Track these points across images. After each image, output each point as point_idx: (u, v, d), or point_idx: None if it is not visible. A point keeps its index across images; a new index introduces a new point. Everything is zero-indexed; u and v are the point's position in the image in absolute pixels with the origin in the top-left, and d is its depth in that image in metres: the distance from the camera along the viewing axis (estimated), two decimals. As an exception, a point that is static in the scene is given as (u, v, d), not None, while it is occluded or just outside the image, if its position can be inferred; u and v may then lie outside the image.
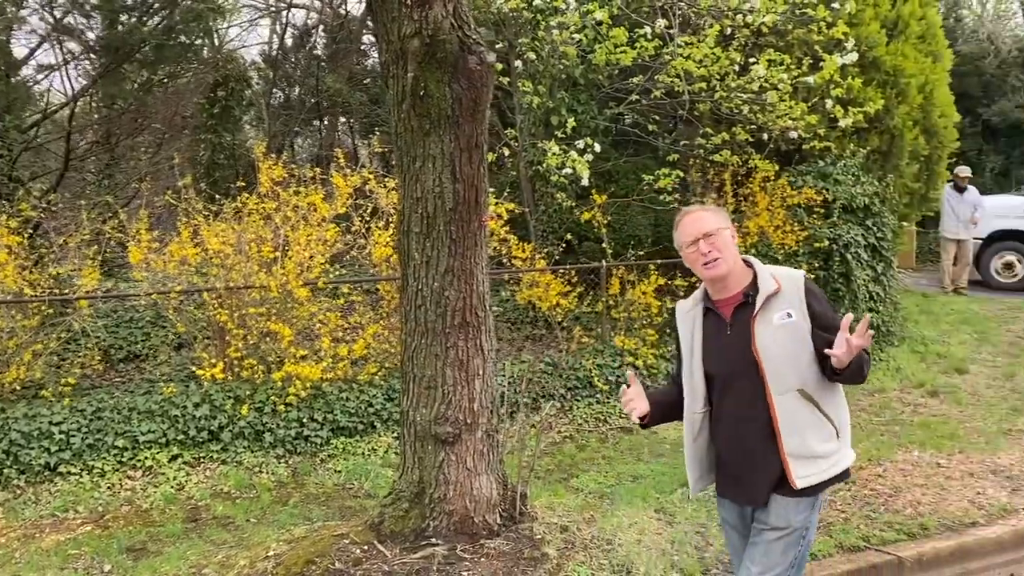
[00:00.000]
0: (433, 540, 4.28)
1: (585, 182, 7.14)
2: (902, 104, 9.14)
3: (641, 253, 8.20)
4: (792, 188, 8.57)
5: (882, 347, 8.85)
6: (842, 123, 8.01)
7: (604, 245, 8.21)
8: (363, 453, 6.44)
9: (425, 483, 4.37)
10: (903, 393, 7.84)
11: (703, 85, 7.73)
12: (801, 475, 2.72)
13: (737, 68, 8.10)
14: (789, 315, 2.73)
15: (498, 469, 4.57)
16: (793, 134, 8.28)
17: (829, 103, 7.86)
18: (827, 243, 8.43)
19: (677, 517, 4.86)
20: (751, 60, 8.01)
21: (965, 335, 9.54)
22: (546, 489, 5.48)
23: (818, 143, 8.26)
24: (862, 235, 8.69)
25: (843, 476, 2.87)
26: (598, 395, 7.51)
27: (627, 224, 9.32)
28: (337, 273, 7.37)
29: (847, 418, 2.92)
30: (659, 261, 8.04)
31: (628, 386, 2.96)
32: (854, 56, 7.73)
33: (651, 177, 8.10)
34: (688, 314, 2.96)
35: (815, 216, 8.60)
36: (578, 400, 7.45)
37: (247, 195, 6.95)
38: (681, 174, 8.06)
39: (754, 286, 2.79)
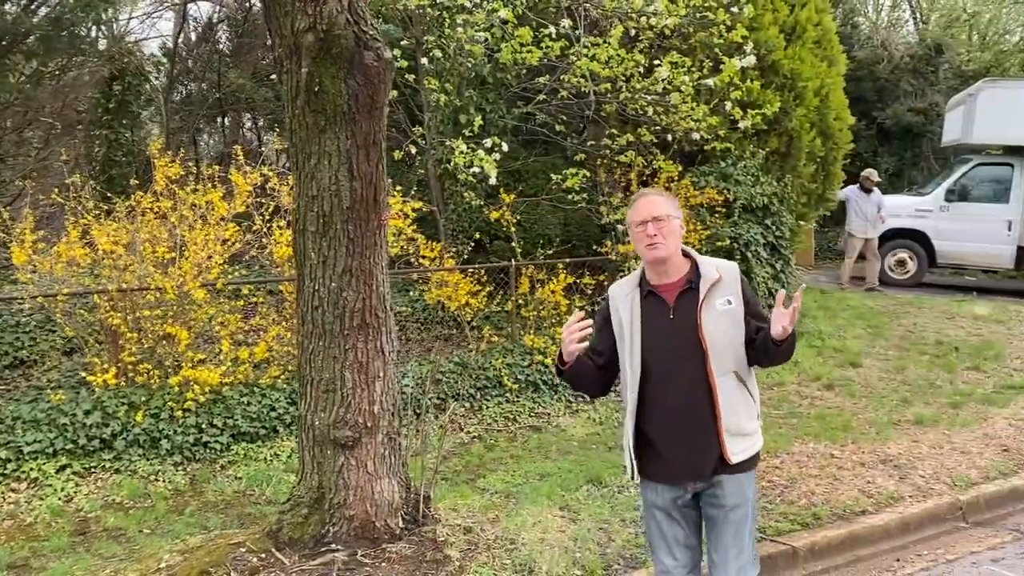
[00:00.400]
0: (333, 546, 4.19)
1: (493, 181, 7.13)
2: (799, 107, 9.44)
3: (550, 252, 8.25)
4: (695, 188, 8.76)
5: (782, 342, 9.11)
6: (742, 125, 8.23)
7: (514, 244, 8.22)
8: (265, 459, 6.27)
9: (325, 488, 4.28)
10: (801, 386, 8.10)
11: (608, 86, 7.82)
12: (735, 451, 2.93)
13: (642, 70, 8.22)
14: (729, 302, 2.94)
15: (401, 472, 4.51)
16: (696, 135, 8.45)
17: (729, 105, 8.06)
18: (728, 242, 8.65)
19: (581, 514, 4.89)
20: (656, 62, 8.15)
21: (860, 330, 9.94)
22: (452, 490, 5.43)
23: (719, 144, 8.47)
24: (762, 234, 8.95)
25: (758, 457, 3.09)
26: (508, 394, 7.51)
27: (537, 223, 9.36)
28: (237, 274, 7.16)
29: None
30: (568, 260, 8.10)
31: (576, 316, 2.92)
32: (752, 60, 7.95)
33: (559, 177, 8.15)
34: (626, 297, 3.03)
35: (717, 216, 8.81)
36: (488, 400, 7.43)
37: (141, 193, 6.68)
38: (588, 174, 8.13)
39: (695, 274, 2.97)
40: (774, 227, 9.11)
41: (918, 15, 23.82)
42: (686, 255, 3.04)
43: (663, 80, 8.01)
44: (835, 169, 10.38)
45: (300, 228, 4.13)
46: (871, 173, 12.93)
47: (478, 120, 7.71)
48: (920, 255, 13.38)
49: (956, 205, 13.16)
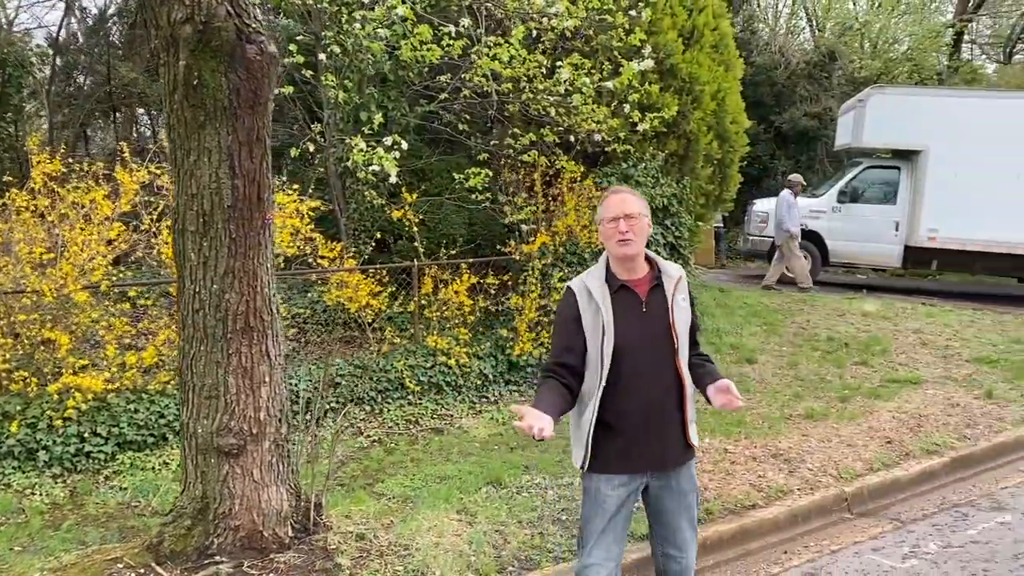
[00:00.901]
0: (217, 558, 4.04)
1: (394, 179, 7.02)
2: (697, 110, 9.64)
3: (454, 252, 8.18)
4: (597, 189, 8.84)
5: (682, 340, 9.30)
6: (641, 127, 8.35)
7: (416, 244, 8.12)
8: (153, 468, 6.00)
9: (209, 498, 4.12)
10: (700, 383, 8.27)
11: (510, 86, 7.81)
12: (692, 435, 3.18)
13: (544, 71, 8.25)
14: (684, 299, 3.16)
15: (291, 479, 4.38)
16: (597, 137, 8.53)
17: (628, 107, 8.16)
18: (631, 242, 8.75)
19: (478, 517, 4.86)
20: (558, 64, 8.18)
21: (756, 327, 10.23)
22: (348, 496, 5.31)
23: (619, 146, 8.56)
24: (661, 234, 9.11)
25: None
26: (410, 396, 7.41)
27: (442, 223, 9.28)
28: (123, 275, 6.84)
29: None
30: (471, 260, 8.06)
31: (520, 418, 2.84)
32: (650, 63, 8.07)
33: (462, 176, 8.10)
34: (597, 291, 3.08)
35: (619, 216, 8.91)
36: (389, 402, 7.32)
37: (16, 191, 6.31)
38: (490, 173, 8.11)
39: (658, 271, 3.15)
40: (674, 228, 9.29)
41: (814, 23, 24.76)
42: (646, 256, 3.18)
43: (565, 81, 8.05)
44: (732, 171, 10.65)
45: (179, 228, 3.97)
46: (796, 177, 13.37)
47: (378, 118, 7.58)
48: (814, 254, 13.89)
49: (847, 206, 13.72)
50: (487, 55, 7.41)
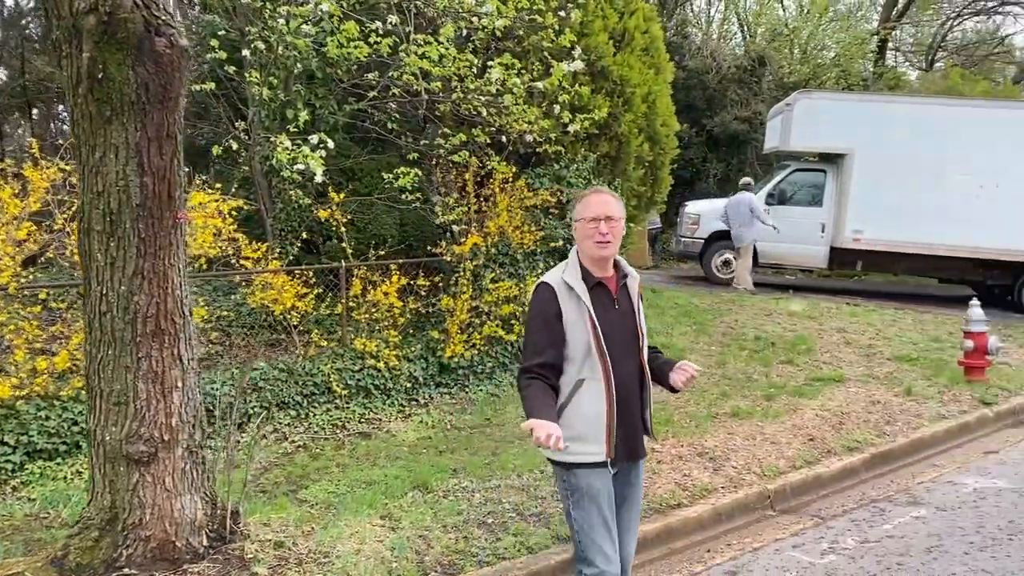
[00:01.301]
0: (127, 570, 3.88)
1: (319, 178, 6.88)
2: (628, 112, 9.72)
3: (383, 253, 8.07)
4: (529, 190, 8.83)
5: (614, 341, 9.36)
6: (571, 128, 8.36)
7: (344, 244, 7.99)
8: (65, 477, 5.76)
9: (118, 508, 3.96)
10: (631, 383, 8.31)
11: (438, 85, 7.74)
12: (650, 427, 3.29)
13: (476, 71, 8.20)
14: (642, 298, 3.32)
15: (205, 487, 4.24)
16: (529, 137, 8.52)
17: (558, 108, 8.18)
18: (563, 243, 8.77)
19: (402, 522, 4.78)
20: (489, 64, 8.14)
21: (686, 327, 10.35)
22: (270, 503, 5.18)
23: (549, 147, 8.57)
24: (594, 235, 9.13)
25: None
26: (337, 400, 7.28)
27: (372, 223, 9.15)
28: (35, 277, 6.56)
29: None
30: (400, 261, 7.97)
31: (531, 431, 2.81)
32: (580, 64, 8.09)
33: (391, 176, 7.99)
34: (578, 286, 3.10)
35: (551, 217, 8.93)
36: (315, 407, 7.18)
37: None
38: (420, 173, 8.02)
39: (623, 272, 3.23)
40: (606, 229, 9.32)
41: (746, 28, 25.25)
42: None
43: (496, 82, 8.01)
44: (663, 174, 10.77)
45: (85, 227, 3.80)
46: (747, 183, 13.56)
47: (303, 115, 7.42)
48: (744, 255, 14.14)
49: (776, 208, 13.99)
50: (416, 53, 7.32)
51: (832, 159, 14.12)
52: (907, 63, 28.59)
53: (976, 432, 7.22)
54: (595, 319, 3.06)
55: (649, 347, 3.32)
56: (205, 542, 4.14)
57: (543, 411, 2.90)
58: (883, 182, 13.42)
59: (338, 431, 7.03)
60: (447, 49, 7.72)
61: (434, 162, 8.81)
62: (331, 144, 7.01)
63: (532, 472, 5.79)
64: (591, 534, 3.11)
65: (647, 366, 3.22)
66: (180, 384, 4.00)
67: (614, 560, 3.10)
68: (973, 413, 7.43)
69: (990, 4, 26.11)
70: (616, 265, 3.23)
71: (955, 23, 27.44)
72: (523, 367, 3.14)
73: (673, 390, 3.30)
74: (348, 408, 7.28)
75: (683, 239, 14.97)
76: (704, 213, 14.62)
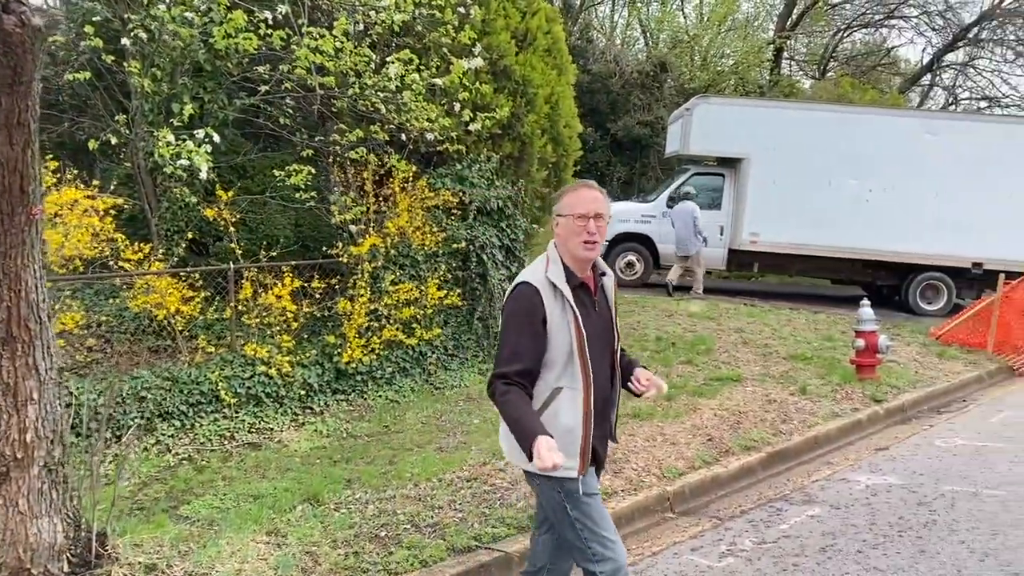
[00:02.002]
0: (-29, 605, 3.50)
1: (204, 175, 6.50)
2: (531, 113, 9.64)
3: (274, 254, 7.72)
4: (431, 190, 8.64)
5: (517, 343, 9.24)
6: (472, 127, 8.21)
7: (233, 245, 7.61)
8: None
9: (-37, 535, 3.57)
10: (533, 387, 8.20)
11: (332, 80, 7.45)
12: (615, 432, 3.20)
13: (374, 66, 7.95)
14: (612, 295, 3.20)
15: (67, 508, 3.88)
16: (430, 136, 8.31)
17: (458, 106, 8.01)
18: (465, 244, 8.61)
19: (289, 538, 4.51)
20: (389, 60, 7.90)
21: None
22: (146, 522, 4.82)
23: (449, 146, 8.40)
24: (497, 236, 9.01)
25: None
26: (225, 410, 6.90)
27: (265, 223, 8.78)
28: None
29: None
30: (293, 263, 7.64)
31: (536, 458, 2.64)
32: (480, 61, 7.95)
33: (282, 173, 7.66)
34: (563, 287, 2.94)
35: (453, 218, 8.75)
36: (202, 417, 6.78)
37: None
38: (312, 171, 7.71)
39: (601, 271, 3.14)
40: (509, 230, 9.20)
41: (649, 35, 25.68)
42: None
43: (396, 77, 7.78)
44: (566, 175, 10.74)
45: (-80, 223, 3.41)
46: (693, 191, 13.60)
47: (188, 109, 7.02)
48: (646, 257, 14.31)
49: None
50: (308, 47, 7.02)
51: (730, 163, 14.42)
52: (801, 72, 29.64)
53: (867, 429, 7.41)
54: (576, 323, 2.90)
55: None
56: (66, 568, 3.79)
57: (536, 426, 2.72)
58: (778, 186, 13.79)
59: (226, 442, 6.66)
60: (343, 43, 7.45)
61: (331, 160, 8.50)
62: (217, 139, 6.63)
63: (429, 481, 5.59)
64: (597, 526, 2.99)
65: (618, 367, 3.15)
66: (36, 396, 3.64)
67: (621, 545, 3.03)
68: (865, 411, 7.62)
69: (877, 17, 27.31)
70: (595, 265, 3.13)
71: (845, 35, 28.61)
72: (499, 372, 2.89)
73: (636, 395, 3.20)
74: (237, 417, 6.91)
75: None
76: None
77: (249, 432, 6.85)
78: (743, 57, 24.05)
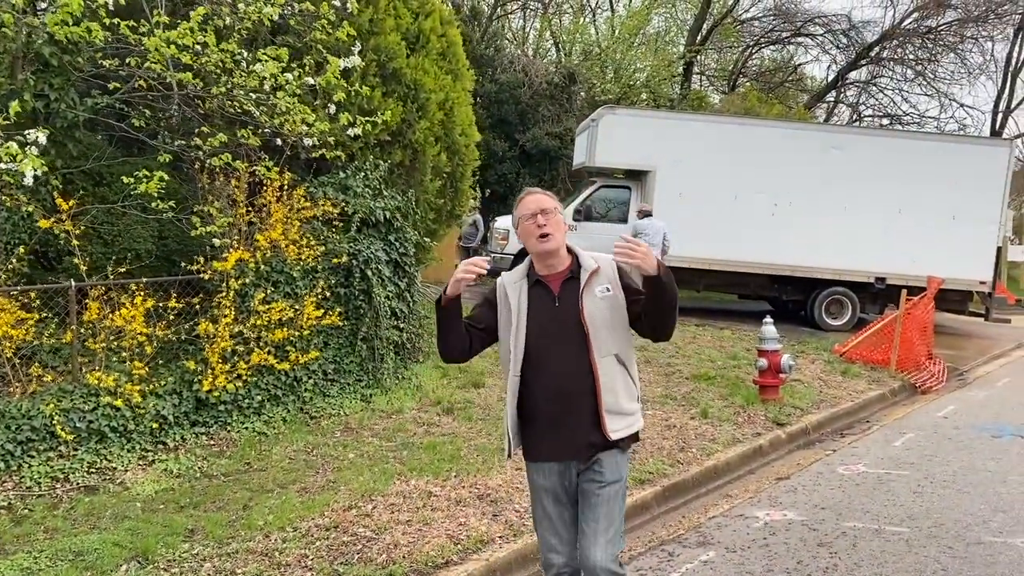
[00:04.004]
0: None
1: (29, 180, 5.69)
2: (423, 119, 9.05)
3: (123, 270, 6.89)
4: (310, 200, 7.94)
5: (406, 365, 8.62)
6: (353, 131, 7.57)
7: (77, 260, 6.77)
8: None
9: None
10: (420, 412, 7.60)
11: (188, 76, 6.70)
12: (614, 428, 3.13)
13: (246, 64, 7.23)
14: (607, 289, 3.17)
15: None
16: (308, 141, 7.63)
17: (333, 108, 7.37)
18: (347, 258, 7.94)
19: (94, 613, 3.78)
20: (259, 58, 7.20)
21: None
22: (-76, 594, 4.01)
23: (329, 152, 7.74)
24: (384, 250, 8.36)
25: (637, 436, 3.32)
26: (61, 447, 6.05)
27: (123, 235, 7.91)
28: None
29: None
30: (146, 279, 6.85)
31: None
32: (358, 59, 7.35)
33: (131, 180, 6.85)
34: (515, 285, 3.22)
35: (334, 230, 8.07)
36: (31, 456, 5.92)
37: None
38: (166, 177, 6.91)
39: (576, 264, 3.20)
40: (398, 243, 8.57)
41: (561, 46, 25.46)
42: (569, 249, 3.24)
43: (266, 76, 7.09)
44: (463, 186, 10.20)
45: None
46: (646, 205, 13.00)
47: (14, 106, 6.16)
48: (552, 272, 13.83)
49: (582, 224, 13.80)
50: (160, 38, 6.28)
51: (637, 176, 14.13)
52: (711, 87, 29.94)
53: (769, 455, 7.05)
54: (520, 318, 3.14)
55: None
56: None
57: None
58: (684, 199, 13.54)
59: (58, 485, 5.81)
60: (205, 36, 6.72)
61: (197, 166, 7.71)
62: (43, 139, 5.82)
63: (283, 530, 4.93)
64: (536, 528, 3.35)
65: (596, 362, 3.10)
66: None
67: (560, 551, 3.23)
68: (767, 435, 7.27)
69: (784, 34, 27.77)
70: (574, 259, 3.21)
71: (754, 51, 29.02)
72: None
73: (651, 280, 3.00)
74: (75, 456, 6.07)
75: (492, 254, 14.52)
76: (513, 228, 14.24)
77: (87, 472, 6.01)
78: (654, 71, 24.04)
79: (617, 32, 24.84)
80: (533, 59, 21.32)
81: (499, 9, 23.94)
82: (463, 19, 19.05)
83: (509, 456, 3.32)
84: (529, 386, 3.14)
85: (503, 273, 3.34)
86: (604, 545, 3.09)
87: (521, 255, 13.80)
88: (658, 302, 3.07)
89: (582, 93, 21.36)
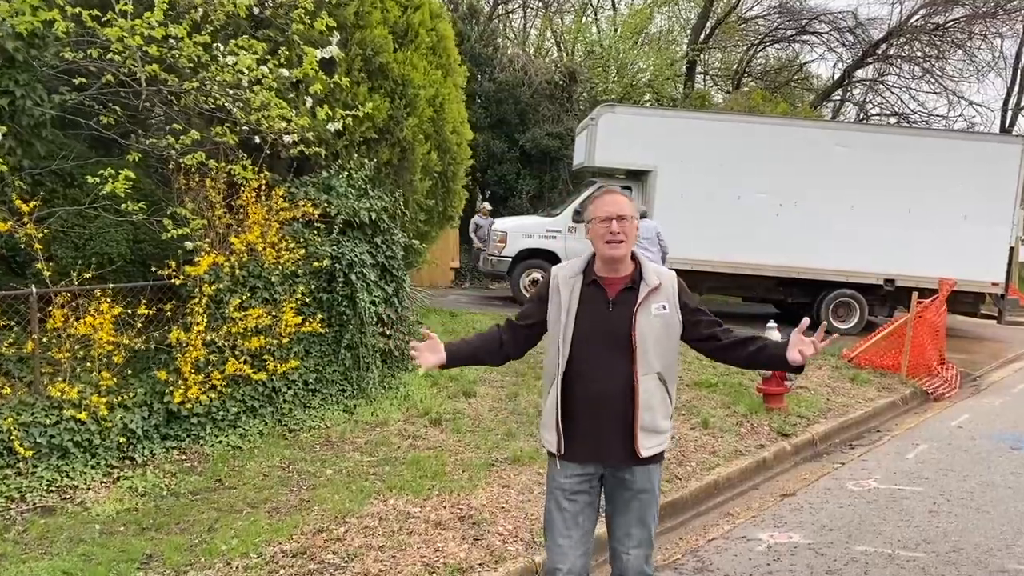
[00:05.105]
0: None
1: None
2: (412, 116, 8.68)
3: (88, 275, 6.53)
4: (288, 200, 7.57)
5: (394, 374, 8.24)
6: (332, 127, 7.21)
7: (41, 265, 6.40)
8: None
9: None
10: (407, 424, 7.21)
11: (155, 68, 6.34)
12: (647, 446, 3.11)
13: (221, 58, 6.87)
14: (664, 307, 3.15)
15: None
16: (288, 138, 7.27)
17: (309, 101, 7.00)
18: (330, 262, 7.57)
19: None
20: (232, 50, 6.84)
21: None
22: None
23: (306, 148, 7.36)
24: (370, 253, 7.98)
25: (664, 452, 3.28)
26: (19, 464, 5.69)
27: (94, 239, 7.54)
28: None
29: None
30: (112, 285, 6.49)
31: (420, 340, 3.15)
32: (335, 49, 6.99)
33: (95, 179, 6.49)
34: (569, 280, 3.20)
35: (316, 232, 7.70)
36: (-15, 473, 5.57)
37: None
38: (132, 176, 6.55)
39: (639, 275, 3.17)
40: (384, 246, 8.18)
41: (562, 46, 25.07)
42: (633, 256, 3.21)
43: (248, 71, 6.73)
44: (455, 186, 9.80)
45: None
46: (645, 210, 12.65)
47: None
48: (551, 274, 13.46)
49: (582, 226, 13.37)
50: (121, 27, 5.92)
51: (638, 176, 13.74)
52: (715, 87, 29.51)
53: (774, 469, 6.66)
54: (571, 314, 3.12)
55: (722, 337, 3.21)
56: None
57: (454, 341, 3.31)
58: (686, 200, 13.16)
59: (13, 505, 5.45)
60: (176, 28, 6.36)
61: (172, 167, 7.35)
62: (-2, 135, 5.46)
63: (246, 556, 4.56)
64: (547, 531, 3.28)
65: (639, 377, 3.07)
66: None
67: (568, 555, 3.16)
68: (771, 447, 6.87)
69: (789, 33, 27.34)
70: (637, 267, 3.19)
71: (759, 49, 28.57)
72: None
73: (798, 369, 3.16)
74: (34, 474, 5.70)
75: (491, 257, 14.14)
76: (511, 230, 13.88)
77: (46, 492, 5.64)
78: (658, 71, 23.64)
79: (619, 31, 24.45)
80: (533, 58, 20.91)
81: (499, 8, 23.58)
82: (460, 17, 18.70)
83: (562, 455, 3.20)
84: (567, 387, 3.13)
85: (557, 266, 3.32)
86: (637, 547, 3.16)
87: (519, 257, 13.48)
88: (755, 366, 3.35)
89: (584, 93, 20.98)
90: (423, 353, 3.16)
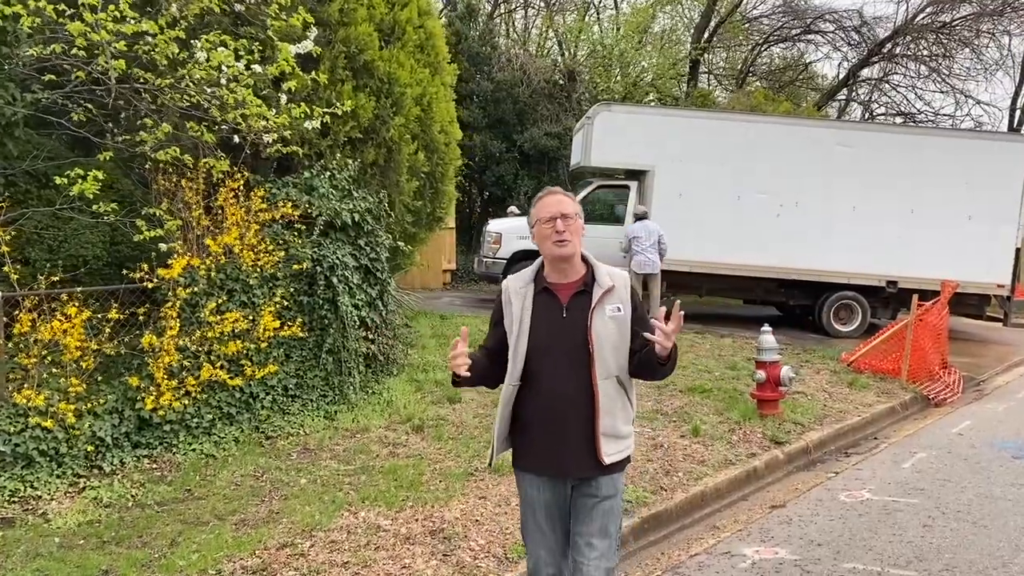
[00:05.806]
0: None
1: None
2: (398, 115, 8.48)
3: (56, 279, 6.34)
4: (267, 202, 7.38)
5: (378, 378, 8.05)
6: (310, 124, 7.01)
7: (8, 268, 6.23)
8: None
9: None
10: (388, 431, 7.01)
11: (122, 64, 6.15)
12: (609, 452, 3.04)
13: (198, 56, 6.68)
14: (619, 309, 3.07)
15: None
16: (267, 137, 7.08)
17: (284, 98, 6.81)
18: (311, 264, 7.38)
19: None
20: (220, 48, 6.66)
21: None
22: None
23: (283, 147, 7.17)
24: (353, 255, 7.79)
25: (629, 458, 3.18)
26: (-19, 474, 5.52)
27: (69, 241, 7.37)
28: None
29: None
30: (81, 289, 6.31)
31: (459, 340, 2.95)
32: (310, 44, 6.79)
33: (64, 180, 6.31)
34: (520, 290, 3.12)
35: (297, 234, 7.51)
36: (-55, 484, 5.40)
37: None
38: (100, 176, 6.36)
39: (591, 277, 3.08)
40: (368, 248, 7.99)
41: (564, 45, 24.84)
42: (584, 259, 3.12)
43: (221, 65, 6.54)
44: (444, 187, 9.60)
45: None
46: (640, 208, 12.47)
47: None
48: (546, 276, 13.24)
49: (579, 227, 13.16)
50: (86, 20, 5.74)
51: (636, 175, 13.51)
52: (719, 86, 29.22)
53: (765, 479, 6.43)
54: (523, 324, 3.04)
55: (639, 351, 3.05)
56: None
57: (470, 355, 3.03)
58: (685, 200, 12.93)
59: (-28, 517, 5.28)
60: (148, 22, 6.18)
61: (148, 166, 7.17)
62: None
63: (203, 573, 4.35)
64: (525, 538, 3.26)
65: (597, 381, 2.98)
66: None
67: (550, 562, 3.16)
68: (763, 456, 6.64)
69: (794, 32, 27.03)
70: (589, 270, 3.09)
71: (763, 49, 28.27)
72: None
73: (665, 360, 2.96)
74: (-2, 483, 5.54)
75: (485, 259, 13.93)
76: (506, 232, 13.66)
77: (7, 502, 5.47)
78: (660, 70, 23.39)
79: (621, 30, 24.21)
80: (532, 57, 20.69)
81: (500, 7, 23.38)
82: (459, 16, 18.50)
83: (490, 464, 3.36)
84: (525, 397, 3.07)
85: (509, 276, 3.24)
86: (597, 559, 3.04)
87: (514, 259, 13.25)
88: (655, 374, 3.06)
89: (585, 92, 20.74)
90: (462, 357, 2.93)
